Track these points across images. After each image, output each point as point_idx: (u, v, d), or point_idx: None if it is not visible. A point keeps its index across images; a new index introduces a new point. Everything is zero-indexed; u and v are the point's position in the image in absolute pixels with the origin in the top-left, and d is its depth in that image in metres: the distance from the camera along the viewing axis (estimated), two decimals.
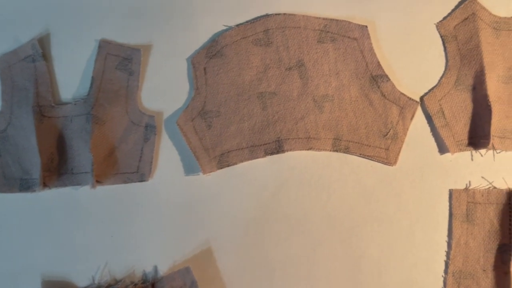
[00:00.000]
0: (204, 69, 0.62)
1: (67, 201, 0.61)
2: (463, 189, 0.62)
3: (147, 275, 0.60)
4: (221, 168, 0.61)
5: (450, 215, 0.61)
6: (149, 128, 0.61)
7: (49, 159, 0.60)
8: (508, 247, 0.60)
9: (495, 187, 0.61)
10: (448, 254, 0.61)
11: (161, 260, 0.61)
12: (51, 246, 0.61)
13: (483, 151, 0.62)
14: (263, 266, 0.61)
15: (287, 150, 0.61)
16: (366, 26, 0.61)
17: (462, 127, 0.62)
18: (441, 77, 0.63)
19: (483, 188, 0.61)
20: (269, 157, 0.62)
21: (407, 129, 0.62)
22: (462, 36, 0.62)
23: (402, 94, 0.62)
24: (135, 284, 0.59)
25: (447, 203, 0.62)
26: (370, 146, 0.62)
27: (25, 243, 0.61)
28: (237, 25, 0.62)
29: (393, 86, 0.62)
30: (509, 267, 0.59)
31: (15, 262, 0.60)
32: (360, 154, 0.62)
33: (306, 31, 0.62)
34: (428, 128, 0.62)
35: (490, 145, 0.60)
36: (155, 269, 0.60)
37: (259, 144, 0.62)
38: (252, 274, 0.60)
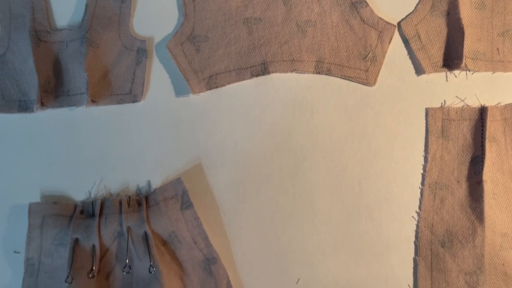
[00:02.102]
0: None
1: (64, 121, 0.64)
2: (439, 108, 0.65)
3: (141, 189, 0.64)
4: (210, 89, 0.65)
5: (426, 131, 0.65)
6: (140, 52, 0.65)
7: (46, 81, 0.63)
8: (481, 159, 0.64)
9: (468, 105, 0.65)
10: (424, 167, 0.65)
11: (154, 176, 0.64)
12: (49, 163, 0.64)
13: (456, 72, 0.66)
14: (250, 180, 0.64)
15: (272, 72, 0.65)
16: None
17: (437, 50, 0.66)
18: (417, 4, 0.66)
19: (457, 106, 0.65)
20: (255, 79, 0.65)
21: (386, 52, 0.65)
22: None
23: (381, 19, 0.65)
24: (130, 197, 0.62)
25: (424, 121, 0.65)
26: (350, 68, 0.65)
27: (24, 161, 0.64)
28: None
29: (371, 11, 0.65)
30: (481, 177, 0.63)
31: (16, 178, 0.63)
32: (342, 75, 0.65)
33: None
34: (405, 51, 0.66)
35: (463, 65, 0.64)
36: (149, 183, 0.64)
37: (245, 67, 0.65)
38: (239, 187, 0.64)
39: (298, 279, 0.63)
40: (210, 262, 0.62)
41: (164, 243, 0.61)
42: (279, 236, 0.64)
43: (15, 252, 0.63)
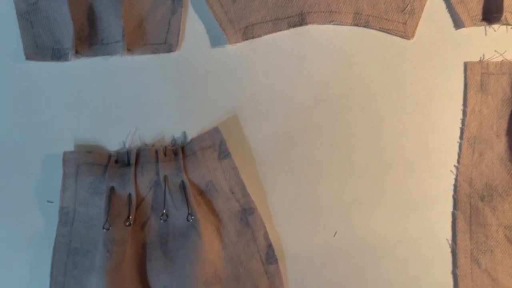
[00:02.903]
0: None
1: (98, 71, 0.63)
2: (477, 61, 0.64)
3: (176, 140, 0.63)
4: (246, 39, 0.64)
5: (465, 85, 0.64)
6: (176, 1, 0.63)
7: (80, 29, 0.62)
8: None
9: (507, 59, 0.64)
10: (463, 121, 0.64)
11: (189, 127, 0.63)
12: (82, 113, 0.63)
13: (496, 26, 0.65)
14: (286, 132, 0.63)
15: (310, 23, 0.64)
16: None
17: (476, 3, 0.65)
18: None
19: (496, 60, 0.64)
20: (292, 30, 0.64)
21: (424, 5, 0.64)
22: None
23: None
24: (166, 147, 0.61)
25: (462, 75, 0.64)
26: (389, 20, 0.64)
27: (58, 111, 0.63)
28: None
29: None
30: None
31: (49, 128, 0.62)
32: (380, 28, 0.64)
33: None
34: (443, 4, 0.65)
35: (503, 19, 0.63)
36: (184, 134, 0.63)
37: (282, 17, 0.64)
38: (276, 139, 0.63)
39: (335, 232, 0.62)
40: (247, 212, 0.61)
41: (201, 193, 0.61)
42: (316, 188, 0.63)
43: (48, 201, 0.62)
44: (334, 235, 0.62)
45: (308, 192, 0.63)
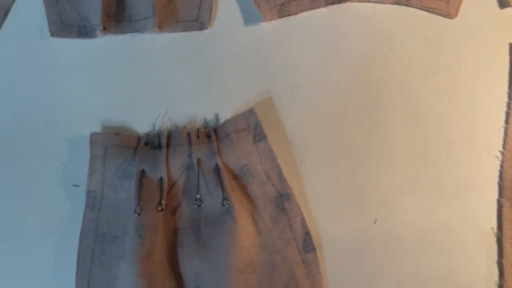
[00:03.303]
0: None
1: (126, 49, 0.60)
2: None
3: (208, 122, 0.60)
4: (282, 17, 0.61)
5: (510, 67, 0.61)
6: None
7: (108, 5, 0.59)
8: None
9: None
10: (508, 105, 0.61)
11: (221, 108, 0.60)
12: (110, 93, 0.60)
13: None
14: (323, 114, 0.60)
15: (348, 1, 0.61)
16: None
17: None
18: None
19: None
20: (329, 8, 0.61)
21: None
22: None
23: None
24: (198, 129, 0.58)
25: (507, 57, 0.62)
26: None
27: (84, 90, 0.60)
28: None
29: None
30: None
31: (75, 108, 0.59)
32: (421, 6, 0.61)
33: None
34: None
35: None
36: (216, 116, 0.60)
37: None
38: (312, 121, 0.60)
39: (375, 219, 0.60)
40: (283, 198, 0.58)
41: (235, 177, 0.58)
42: (354, 174, 0.60)
43: (74, 185, 0.59)
44: (374, 222, 0.60)
45: (346, 177, 0.60)
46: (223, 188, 0.56)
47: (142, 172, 0.56)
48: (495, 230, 0.60)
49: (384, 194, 0.60)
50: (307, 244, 0.58)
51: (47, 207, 0.59)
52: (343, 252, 0.59)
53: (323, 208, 0.60)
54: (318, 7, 0.61)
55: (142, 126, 0.60)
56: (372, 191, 0.60)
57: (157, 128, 0.60)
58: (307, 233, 0.58)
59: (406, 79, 0.61)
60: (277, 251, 0.57)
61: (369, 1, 0.61)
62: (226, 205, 0.55)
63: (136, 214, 0.54)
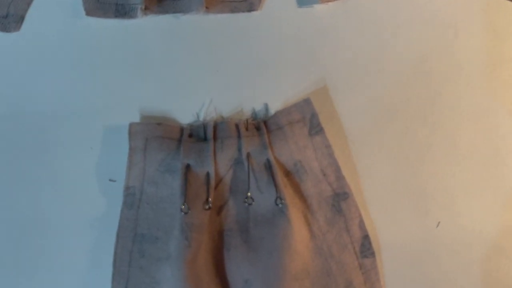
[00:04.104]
0: None
1: (168, 31, 0.55)
2: None
3: (257, 113, 0.55)
4: None
5: None
6: None
7: None
8: None
9: None
10: None
11: (271, 98, 0.55)
12: (150, 80, 0.55)
13: None
14: (383, 107, 0.55)
15: None
16: None
17: None
18: None
19: None
20: None
21: None
22: None
23: None
24: (246, 120, 0.53)
25: None
26: None
27: (121, 76, 0.55)
28: None
29: None
30: None
31: (112, 96, 0.54)
32: None
33: None
34: None
35: None
36: (266, 106, 0.55)
37: None
38: (371, 114, 0.55)
39: (438, 222, 0.55)
40: (340, 197, 0.53)
41: (287, 173, 0.53)
42: (416, 172, 0.55)
43: (110, 180, 0.54)
44: (437, 225, 0.55)
45: (408, 176, 0.55)
46: (276, 186, 0.51)
47: (187, 166, 0.51)
48: None
49: (448, 195, 0.55)
50: (366, 249, 0.53)
51: (81, 204, 0.54)
52: (403, 258, 0.54)
53: (381, 209, 0.55)
54: None
55: (185, 116, 0.55)
56: (435, 192, 0.55)
57: (201, 118, 0.54)
58: (366, 237, 0.53)
59: (472, 70, 0.56)
60: (332, 256, 0.52)
61: None
62: (280, 205, 0.50)
63: (182, 213, 0.49)
